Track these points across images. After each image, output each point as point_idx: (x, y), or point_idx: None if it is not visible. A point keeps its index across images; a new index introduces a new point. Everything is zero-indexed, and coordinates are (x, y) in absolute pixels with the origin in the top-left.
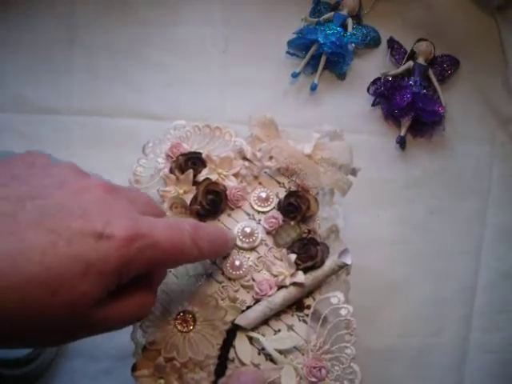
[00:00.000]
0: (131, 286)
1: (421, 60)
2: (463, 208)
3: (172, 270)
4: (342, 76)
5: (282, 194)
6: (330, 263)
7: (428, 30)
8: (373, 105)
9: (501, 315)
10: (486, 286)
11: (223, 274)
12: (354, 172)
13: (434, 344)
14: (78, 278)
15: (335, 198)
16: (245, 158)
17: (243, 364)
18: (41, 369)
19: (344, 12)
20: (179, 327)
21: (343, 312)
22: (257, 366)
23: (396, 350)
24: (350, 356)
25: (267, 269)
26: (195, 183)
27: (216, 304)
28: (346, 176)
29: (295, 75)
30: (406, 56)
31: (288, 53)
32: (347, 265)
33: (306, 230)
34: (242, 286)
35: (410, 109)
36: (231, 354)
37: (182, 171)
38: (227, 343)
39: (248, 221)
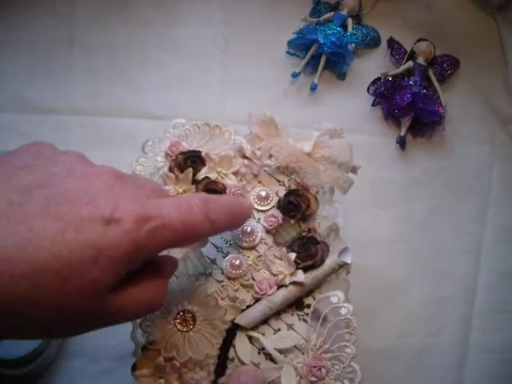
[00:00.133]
0: (143, 275)
1: (421, 60)
2: (463, 208)
3: None
4: (341, 76)
5: (282, 192)
6: (329, 262)
7: (428, 30)
8: (373, 105)
9: (501, 315)
10: (486, 286)
11: (223, 273)
12: (354, 170)
13: (433, 344)
14: (89, 264)
15: (335, 196)
16: (244, 157)
17: (243, 363)
18: (41, 369)
19: (344, 12)
20: (179, 327)
21: (343, 311)
22: (257, 365)
23: (396, 349)
24: (350, 355)
25: (267, 268)
26: (194, 182)
27: (216, 303)
28: (346, 174)
29: (295, 75)
30: (406, 56)
31: (288, 53)
32: (347, 264)
33: (306, 229)
34: (242, 286)
35: (410, 109)
36: (231, 354)
37: (182, 170)
38: (227, 342)
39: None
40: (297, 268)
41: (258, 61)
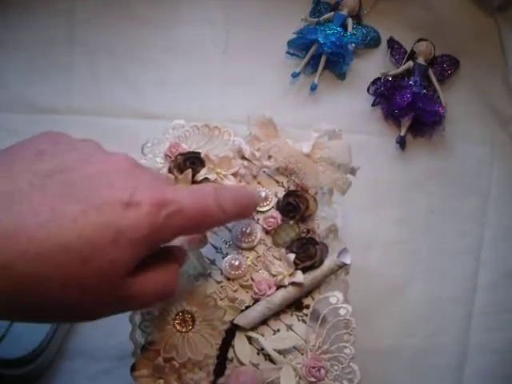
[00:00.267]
0: (157, 261)
1: (421, 60)
2: (463, 208)
3: None
4: (342, 76)
5: (281, 193)
6: (329, 263)
7: (428, 30)
8: (373, 105)
9: (501, 315)
10: (486, 286)
11: (222, 273)
12: (353, 171)
13: (433, 344)
14: (109, 245)
15: (334, 197)
16: (243, 158)
17: (242, 364)
18: (41, 369)
19: (344, 12)
20: (178, 327)
21: (342, 312)
22: (256, 365)
23: (396, 350)
24: (349, 356)
25: (266, 268)
26: (194, 183)
27: (215, 304)
28: (345, 175)
29: (295, 75)
30: (406, 56)
31: (288, 53)
32: (346, 264)
33: (305, 230)
34: (241, 286)
35: (410, 109)
36: (230, 354)
37: (181, 171)
38: (226, 343)
39: (247, 220)
40: (296, 269)
41: (258, 61)
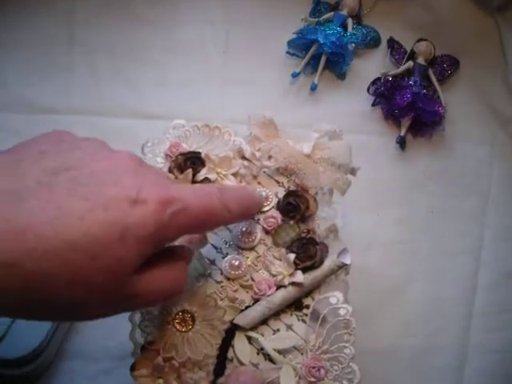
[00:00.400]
0: (164, 259)
1: (421, 60)
2: (463, 208)
3: None
4: (342, 76)
5: (281, 193)
6: (329, 263)
7: (428, 30)
8: (373, 105)
9: (501, 315)
10: (486, 286)
11: (222, 273)
12: (353, 171)
13: (433, 344)
14: (116, 242)
15: (334, 197)
16: (244, 158)
17: (242, 364)
18: (41, 369)
19: (344, 12)
20: (178, 327)
21: (342, 312)
22: (256, 365)
23: (396, 350)
24: (348, 356)
25: (266, 268)
26: (194, 183)
27: (215, 304)
28: (345, 175)
29: (295, 75)
30: (406, 56)
31: (288, 53)
32: (346, 264)
33: (305, 230)
34: (241, 286)
35: (410, 109)
36: (230, 354)
37: (181, 171)
38: (226, 343)
39: (247, 220)
40: (296, 269)
41: (258, 61)
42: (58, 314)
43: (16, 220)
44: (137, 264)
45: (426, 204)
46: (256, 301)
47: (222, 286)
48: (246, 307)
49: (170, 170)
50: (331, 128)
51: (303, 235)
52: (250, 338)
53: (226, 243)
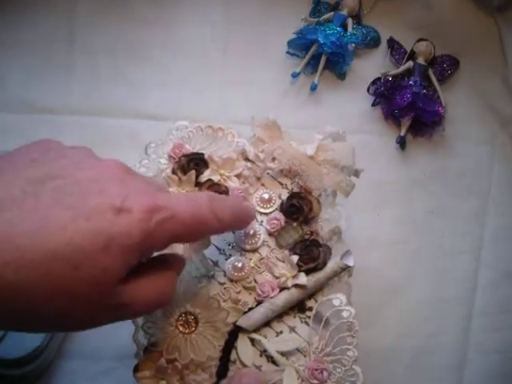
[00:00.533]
0: (152, 269)
1: (421, 60)
2: (463, 208)
3: None
4: (342, 76)
5: (285, 195)
6: (332, 265)
7: (428, 30)
8: (373, 105)
9: (501, 315)
10: (486, 285)
11: (225, 275)
12: (356, 173)
13: (433, 344)
14: (100, 252)
15: (337, 199)
16: (247, 159)
17: (245, 366)
18: (41, 369)
19: (344, 12)
20: (181, 328)
21: (345, 314)
22: (258, 367)
23: (396, 350)
24: (351, 358)
25: (269, 270)
26: (197, 184)
27: (218, 305)
28: (348, 177)
29: (295, 75)
30: (406, 56)
31: (288, 53)
32: (349, 266)
33: (309, 232)
34: (244, 288)
35: (410, 109)
36: (233, 356)
37: (185, 172)
38: (229, 345)
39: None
40: (299, 271)
41: (258, 61)
42: (41, 325)
43: None
44: (122, 274)
45: (426, 204)
46: (259, 303)
47: (225, 288)
48: (249, 309)
49: (174, 172)
50: (335, 130)
51: (306, 237)
52: (253, 340)
53: (229, 245)
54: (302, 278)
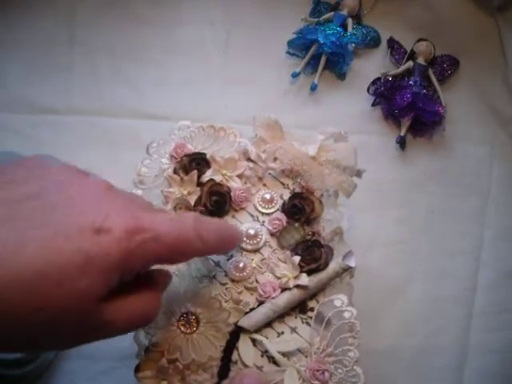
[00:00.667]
0: (136, 287)
1: (421, 60)
2: (463, 208)
3: (175, 271)
4: (342, 76)
5: (287, 195)
6: (334, 266)
7: (428, 30)
8: (373, 105)
9: (501, 315)
10: (486, 286)
11: (227, 275)
12: (358, 174)
13: (433, 344)
14: (78, 272)
15: (339, 199)
16: (249, 159)
17: (246, 366)
18: (40, 369)
19: (344, 12)
20: (182, 329)
21: (347, 315)
22: (260, 368)
23: (396, 349)
24: (353, 359)
25: (271, 271)
26: (199, 184)
27: (219, 306)
28: (350, 178)
29: (295, 75)
30: (406, 56)
31: (288, 53)
32: (351, 267)
33: (310, 232)
34: (246, 288)
35: (410, 109)
36: (234, 356)
37: (187, 172)
38: (230, 345)
39: (252, 222)
40: (301, 271)
41: (258, 61)
42: (21, 346)
43: None
44: (102, 293)
45: (426, 204)
46: (260, 303)
47: (226, 288)
48: (251, 309)
49: (175, 171)
50: (336, 130)
51: (308, 237)
52: (254, 341)
53: None
54: (304, 279)
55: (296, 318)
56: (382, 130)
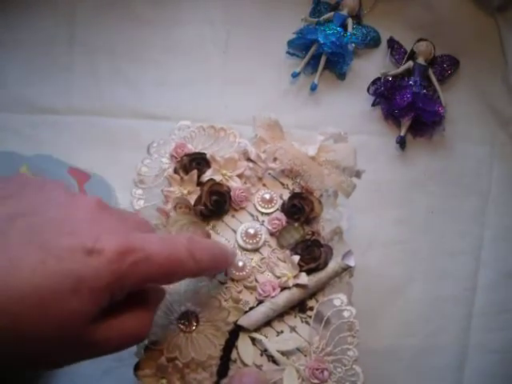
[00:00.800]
0: (127, 306)
1: (421, 60)
2: (463, 208)
3: None
4: (342, 76)
5: (286, 195)
6: (333, 265)
7: (428, 30)
8: (373, 105)
9: (501, 315)
10: (486, 286)
11: (226, 274)
12: (357, 174)
13: (433, 344)
14: (69, 295)
15: (339, 199)
16: (249, 159)
17: (245, 365)
18: None
19: (344, 12)
20: (182, 327)
21: (346, 314)
22: (259, 367)
23: (396, 350)
24: (352, 358)
25: (270, 270)
26: (199, 184)
27: (219, 305)
28: (349, 178)
29: (295, 75)
30: (406, 56)
31: (288, 53)
32: (351, 267)
33: (310, 232)
34: (245, 287)
35: (410, 109)
36: (234, 355)
37: (187, 172)
38: (230, 344)
39: (252, 222)
40: (300, 271)
41: (258, 61)
42: (13, 367)
43: None
44: (92, 314)
45: (426, 204)
46: (260, 302)
47: (226, 287)
48: (250, 308)
49: (176, 171)
50: (336, 131)
51: (308, 237)
52: (253, 340)
53: (231, 244)
54: (303, 278)
55: (295, 317)
56: (382, 130)
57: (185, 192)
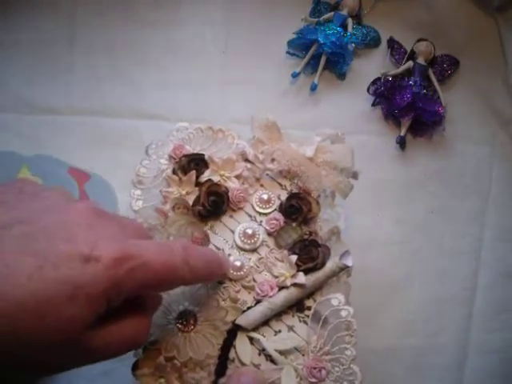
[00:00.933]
0: (124, 312)
1: (421, 60)
2: (463, 208)
3: None
4: (342, 76)
5: (284, 196)
6: (331, 265)
7: (428, 30)
8: (373, 105)
9: (501, 315)
10: (486, 286)
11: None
12: (355, 175)
13: (433, 344)
14: (66, 301)
15: (336, 200)
16: (247, 160)
17: (243, 364)
18: None
19: (344, 12)
20: (180, 327)
21: (343, 313)
22: (257, 366)
23: (396, 350)
24: (350, 357)
25: (268, 270)
26: (198, 184)
27: (217, 304)
28: (347, 179)
29: (295, 75)
30: (406, 56)
31: (288, 53)
32: (348, 266)
33: (308, 232)
34: (243, 287)
35: (410, 109)
36: (231, 354)
37: (185, 172)
38: (228, 343)
39: (249, 222)
40: (298, 270)
41: (258, 61)
42: (7, 374)
43: None
44: (89, 321)
45: (426, 204)
46: (258, 302)
47: (224, 287)
48: (248, 308)
49: (174, 172)
50: (333, 132)
51: (305, 237)
52: (251, 339)
53: (229, 244)
54: (301, 278)
55: (293, 316)
56: (381, 129)
57: (183, 192)
